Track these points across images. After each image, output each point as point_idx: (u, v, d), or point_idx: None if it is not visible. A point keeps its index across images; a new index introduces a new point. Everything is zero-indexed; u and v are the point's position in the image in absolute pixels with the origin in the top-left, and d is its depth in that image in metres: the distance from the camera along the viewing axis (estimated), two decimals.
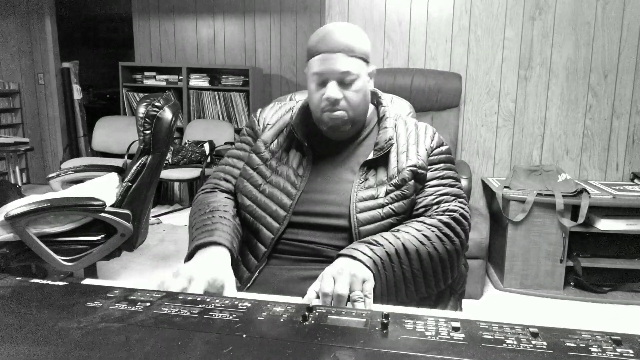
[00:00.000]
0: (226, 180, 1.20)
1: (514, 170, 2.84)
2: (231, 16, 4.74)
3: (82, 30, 6.25)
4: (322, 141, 1.17)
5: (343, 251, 0.96)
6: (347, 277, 0.86)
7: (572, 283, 2.68)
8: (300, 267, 1.05)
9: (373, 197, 1.06)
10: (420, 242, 0.99)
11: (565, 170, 2.92)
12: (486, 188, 3.07)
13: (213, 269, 0.90)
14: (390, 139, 1.12)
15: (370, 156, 1.11)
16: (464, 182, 2.55)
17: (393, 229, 1.03)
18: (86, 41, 6.28)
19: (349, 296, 0.84)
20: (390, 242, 0.97)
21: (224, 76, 4.55)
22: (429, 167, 1.12)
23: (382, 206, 1.05)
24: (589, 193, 2.58)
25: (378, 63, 3.11)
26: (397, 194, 1.06)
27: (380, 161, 1.11)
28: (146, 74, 4.64)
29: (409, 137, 1.15)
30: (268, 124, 1.22)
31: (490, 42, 3.00)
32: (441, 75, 2.94)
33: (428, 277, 1.01)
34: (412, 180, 1.08)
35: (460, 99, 2.97)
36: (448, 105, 2.95)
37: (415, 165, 1.09)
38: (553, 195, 2.56)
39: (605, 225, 2.54)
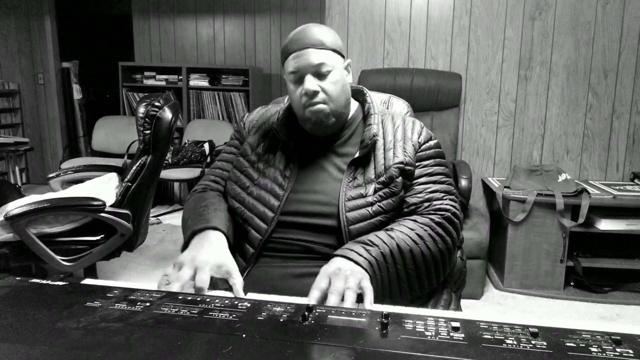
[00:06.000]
0: (216, 182, 1.22)
1: (514, 170, 2.84)
2: (231, 16, 4.73)
3: (82, 30, 6.24)
4: (307, 141, 1.17)
5: (338, 251, 0.95)
6: (343, 277, 0.85)
7: (572, 283, 2.67)
8: (291, 264, 1.05)
9: (362, 196, 1.06)
10: (414, 241, 0.99)
11: (566, 170, 2.92)
12: (486, 188, 3.07)
13: (215, 255, 0.92)
14: (374, 136, 1.11)
15: (357, 154, 1.11)
16: (463, 182, 2.55)
17: (387, 228, 1.03)
18: (86, 41, 6.27)
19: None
20: (384, 242, 0.97)
21: (223, 76, 4.54)
22: (417, 163, 1.11)
23: (371, 204, 1.05)
24: (589, 193, 2.57)
25: (378, 63, 3.11)
26: (386, 191, 1.06)
27: (368, 159, 1.11)
28: (146, 73, 4.63)
29: (395, 132, 1.14)
30: (254, 127, 1.24)
31: (491, 42, 3.00)
32: (441, 75, 2.94)
33: (421, 277, 1.01)
34: (400, 178, 1.07)
35: (460, 99, 2.97)
36: (448, 105, 2.95)
37: (402, 162, 1.08)
38: (553, 196, 2.56)
39: (605, 225, 2.54)
